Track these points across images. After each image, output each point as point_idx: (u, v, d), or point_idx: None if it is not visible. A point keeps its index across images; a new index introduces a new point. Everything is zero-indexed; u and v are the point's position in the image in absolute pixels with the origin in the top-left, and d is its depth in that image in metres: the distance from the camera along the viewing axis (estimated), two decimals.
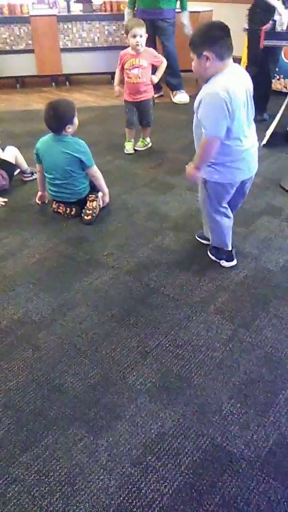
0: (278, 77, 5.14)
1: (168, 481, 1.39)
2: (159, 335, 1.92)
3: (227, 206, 2.23)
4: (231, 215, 2.27)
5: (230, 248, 2.33)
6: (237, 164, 2.03)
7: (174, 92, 5.14)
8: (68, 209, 2.79)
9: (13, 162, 3.17)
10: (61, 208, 2.81)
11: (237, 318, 2.01)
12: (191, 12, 5.40)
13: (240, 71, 1.96)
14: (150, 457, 1.46)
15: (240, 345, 1.87)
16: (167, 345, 1.87)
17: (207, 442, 1.50)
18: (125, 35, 3.50)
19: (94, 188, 2.82)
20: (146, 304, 2.10)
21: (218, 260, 2.35)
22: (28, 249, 2.51)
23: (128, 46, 3.49)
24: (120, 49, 5.56)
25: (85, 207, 2.75)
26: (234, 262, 2.34)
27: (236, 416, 1.58)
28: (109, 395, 1.66)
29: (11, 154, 3.18)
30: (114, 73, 5.79)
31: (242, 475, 1.40)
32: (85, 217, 2.72)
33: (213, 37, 1.80)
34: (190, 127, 2.09)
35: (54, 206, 2.85)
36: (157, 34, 4.66)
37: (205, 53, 1.80)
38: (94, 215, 2.73)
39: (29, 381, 1.72)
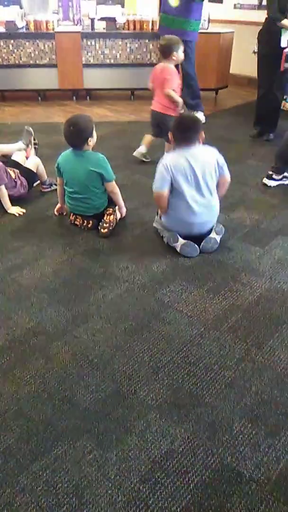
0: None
1: (176, 499, 1.38)
2: (172, 351, 1.92)
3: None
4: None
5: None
6: (177, 217, 2.58)
7: (192, 112, 5.20)
8: (85, 221, 2.83)
9: (35, 169, 3.24)
10: (78, 220, 2.85)
11: (250, 337, 2.00)
12: (213, 33, 5.52)
13: (191, 154, 2.49)
14: (159, 474, 1.45)
15: (253, 365, 1.86)
16: (179, 361, 1.87)
17: (217, 461, 1.49)
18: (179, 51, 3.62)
19: (112, 202, 2.86)
20: (160, 319, 2.10)
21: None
22: (44, 260, 2.54)
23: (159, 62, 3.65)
24: (141, 66, 5.70)
25: (102, 220, 2.78)
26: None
27: (246, 436, 1.57)
28: (119, 409, 1.66)
29: (33, 163, 3.25)
30: (135, 89, 5.92)
31: (251, 497, 1.38)
32: (102, 230, 2.75)
33: (174, 129, 2.56)
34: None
35: (71, 218, 2.89)
36: None
37: (170, 137, 2.61)
38: (110, 228, 2.76)
39: (40, 391, 1.73)
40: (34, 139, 3.82)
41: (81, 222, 2.84)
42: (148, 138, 3.90)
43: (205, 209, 2.57)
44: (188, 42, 4.63)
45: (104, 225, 2.76)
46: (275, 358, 1.89)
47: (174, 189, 2.52)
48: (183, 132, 2.52)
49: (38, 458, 1.49)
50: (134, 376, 1.80)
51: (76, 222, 2.87)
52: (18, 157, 3.35)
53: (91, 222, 2.82)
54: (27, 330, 2.04)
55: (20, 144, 3.63)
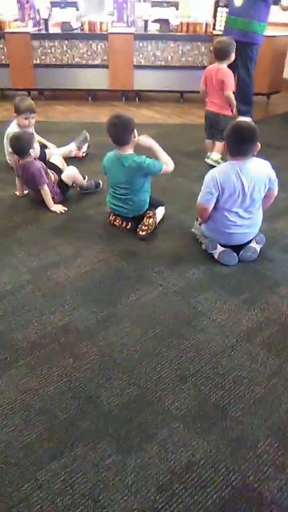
0: None
1: None
2: (201, 360, 1.88)
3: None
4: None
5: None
6: (218, 229, 2.53)
7: (240, 117, 5.09)
8: (124, 222, 2.83)
9: (70, 182, 3.22)
10: (117, 221, 2.86)
11: (284, 353, 1.93)
12: (266, 36, 5.37)
13: (243, 169, 2.37)
14: (177, 485, 1.42)
15: (284, 382, 1.79)
16: (208, 372, 1.82)
17: (238, 479, 1.44)
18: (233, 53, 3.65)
19: (152, 205, 2.85)
20: (191, 326, 2.06)
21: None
22: (81, 259, 2.56)
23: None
24: (192, 69, 5.65)
25: (141, 223, 2.77)
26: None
27: (272, 456, 1.51)
28: (143, 415, 1.64)
29: (70, 176, 3.22)
30: (184, 92, 5.89)
31: None
32: (140, 232, 2.75)
33: (229, 138, 2.41)
34: None
35: (111, 218, 2.90)
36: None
37: (224, 146, 2.52)
38: (149, 231, 2.75)
39: (66, 389, 1.74)
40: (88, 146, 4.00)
41: (120, 223, 2.85)
42: (207, 142, 3.95)
43: (248, 222, 2.51)
44: (250, 45, 4.49)
45: (143, 227, 2.75)
46: None
47: (218, 203, 2.44)
48: (238, 144, 2.38)
49: (57, 456, 1.50)
50: (160, 383, 1.77)
51: (115, 223, 2.87)
52: (57, 160, 3.39)
53: (130, 223, 2.82)
54: (58, 327, 2.05)
55: (72, 146, 3.73)
